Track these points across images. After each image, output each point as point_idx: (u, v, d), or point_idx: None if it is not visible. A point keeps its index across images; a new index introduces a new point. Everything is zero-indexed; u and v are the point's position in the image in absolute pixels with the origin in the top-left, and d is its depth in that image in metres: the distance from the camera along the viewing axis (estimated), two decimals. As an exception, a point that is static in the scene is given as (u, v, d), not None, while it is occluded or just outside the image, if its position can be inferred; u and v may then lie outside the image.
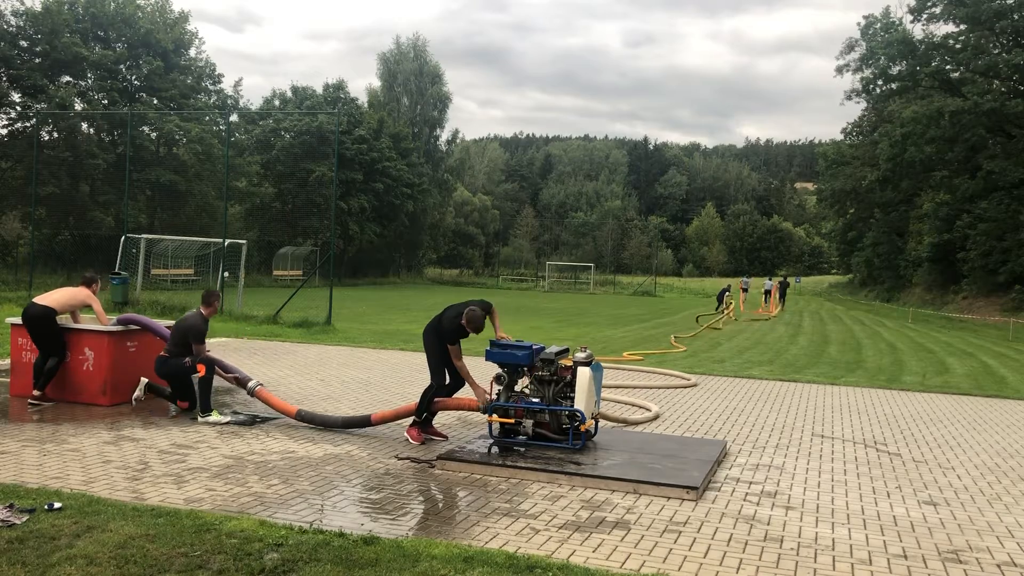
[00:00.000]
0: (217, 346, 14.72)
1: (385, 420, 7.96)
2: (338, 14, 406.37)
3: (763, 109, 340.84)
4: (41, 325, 8.66)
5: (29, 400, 8.75)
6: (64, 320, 8.98)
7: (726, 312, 32.57)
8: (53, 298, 8.86)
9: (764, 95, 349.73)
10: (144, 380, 8.83)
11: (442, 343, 7.67)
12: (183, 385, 8.61)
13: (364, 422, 8.02)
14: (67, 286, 9.43)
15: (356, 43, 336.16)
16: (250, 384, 8.58)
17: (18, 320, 9.33)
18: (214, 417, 8.31)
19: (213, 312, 8.87)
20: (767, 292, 43.87)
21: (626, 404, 10.11)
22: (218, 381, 8.64)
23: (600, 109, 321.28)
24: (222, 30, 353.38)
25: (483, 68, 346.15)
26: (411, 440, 7.66)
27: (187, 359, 8.50)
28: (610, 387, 11.34)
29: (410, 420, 7.86)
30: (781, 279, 48.93)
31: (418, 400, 7.80)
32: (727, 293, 36.10)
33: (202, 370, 8.37)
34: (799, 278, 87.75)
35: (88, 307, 9.10)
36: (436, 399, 7.75)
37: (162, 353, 8.65)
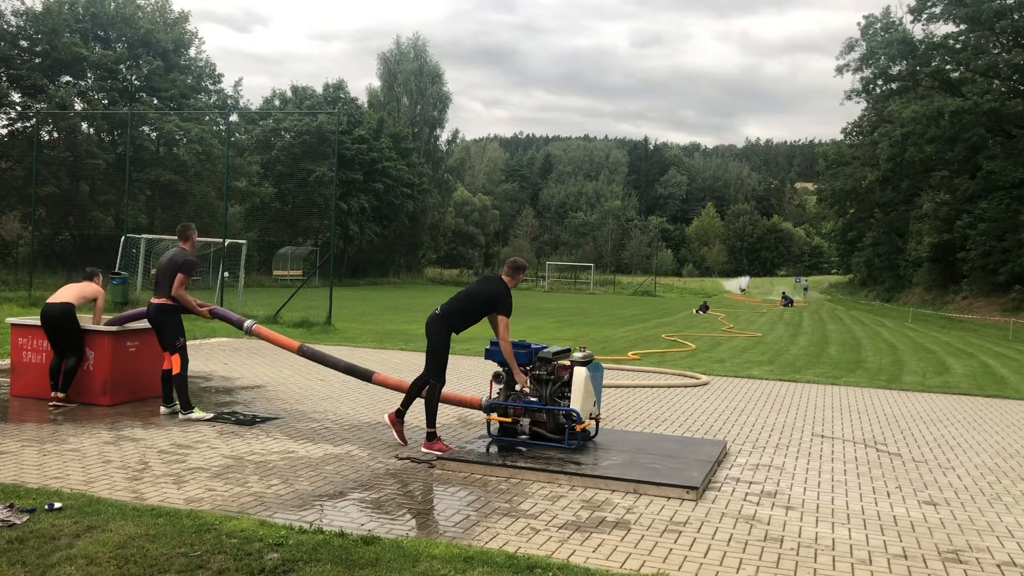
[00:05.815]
0: (217, 346, 14.73)
1: (386, 385, 8.25)
2: (344, 14, 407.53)
3: (769, 109, 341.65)
4: (63, 322, 8.59)
5: (50, 403, 8.63)
6: None
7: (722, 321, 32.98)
8: (68, 293, 8.82)
9: (770, 95, 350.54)
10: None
11: (450, 334, 7.39)
12: (169, 339, 8.39)
13: (366, 376, 8.24)
14: (69, 284, 9.37)
15: (362, 44, 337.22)
16: (246, 324, 8.68)
17: (18, 320, 9.34)
18: (196, 414, 8.30)
19: (192, 245, 8.82)
20: (805, 289, 52.09)
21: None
22: (215, 381, 8.63)
23: (605, 109, 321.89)
24: (229, 30, 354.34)
25: (490, 68, 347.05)
26: (435, 453, 7.16)
27: (180, 339, 8.35)
28: (622, 386, 11.35)
29: (420, 424, 7.59)
30: (786, 291, 53.93)
31: (424, 403, 7.48)
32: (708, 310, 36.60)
33: (176, 367, 8.28)
34: (799, 278, 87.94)
35: (94, 301, 9.01)
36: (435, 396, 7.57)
37: (163, 302, 8.36)
